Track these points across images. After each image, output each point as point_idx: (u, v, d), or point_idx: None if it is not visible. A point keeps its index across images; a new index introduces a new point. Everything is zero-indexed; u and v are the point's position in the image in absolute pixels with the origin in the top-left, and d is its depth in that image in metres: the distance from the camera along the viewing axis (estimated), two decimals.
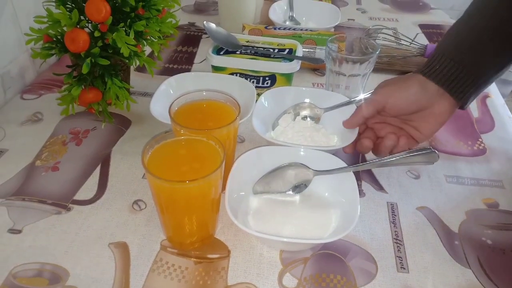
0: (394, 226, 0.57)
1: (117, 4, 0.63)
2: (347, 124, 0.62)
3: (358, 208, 0.50)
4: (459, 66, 0.54)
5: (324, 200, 0.57)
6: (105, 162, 0.65)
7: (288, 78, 0.74)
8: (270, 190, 0.57)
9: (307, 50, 0.86)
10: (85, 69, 0.60)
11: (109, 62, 0.62)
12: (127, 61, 0.65)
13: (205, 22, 0.78)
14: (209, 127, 0.52)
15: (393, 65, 0.90)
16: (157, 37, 0.69)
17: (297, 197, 0.57)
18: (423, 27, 1.13)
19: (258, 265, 0.51)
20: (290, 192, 0.57)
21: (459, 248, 0.54)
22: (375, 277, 0.50)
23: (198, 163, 0.49)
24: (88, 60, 0.60)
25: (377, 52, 0.71)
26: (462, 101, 0.56)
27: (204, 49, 0.97)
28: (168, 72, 0.88)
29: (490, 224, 0.58)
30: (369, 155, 0.68)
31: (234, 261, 0.51)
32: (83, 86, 0.64)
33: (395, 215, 0.58)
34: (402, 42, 0.94)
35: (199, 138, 0.51)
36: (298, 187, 0.57)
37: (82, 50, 0.61)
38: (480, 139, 0.73)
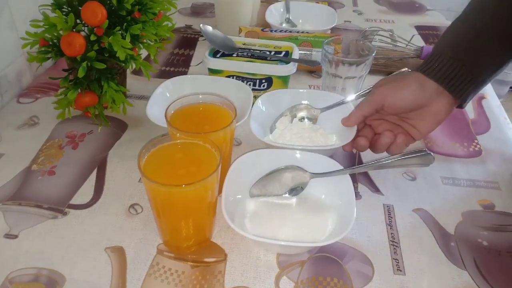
0: (391, 228, 0.57)
1: (113, 8, 0.63)
2: (346, 122, 0.62)
3: (355, 210, 0.50)
4: (457, 64, 0.54)
5: (320, 203, 0.57)
6: (101, 166, 0.65)
7: (284, 80, 0.74)
8: (267, 193, 0.57)
9: (303, 52, 0.86)
10: (81, 73, 0.60)
11: (105, 66, 0.62)
12: (123, 64, 0.65)
13: (201, 25, 0.78)
14: (205, 131, 0.52)
15: (389, 66, 0.90)
16: (153, 40, 0.69)
17: (293, 200, 0.57)
18: (419, 28, 1.14)
19: (255, 269, 0.51)
20: (287, 195, 0.58)
21: (455, 249, 0.54)
22: (372, 280, 0.50)
23: (194, 167, 0.49)
24: (84, 64, 0.60)
25: (373, 54, 0.72)
26: (461, 99, 0.56)
27: (201, 51, 0.98)
28: (165, 75, 0.88)
29: (486, 225, 0.58)
30: (366, 157, 0.68)
31: (231, 264, 0.51)
32: (79, 90, 0.64)
33: (392, 217, 0.58)
34: (399, 43, 0.94)
35: (196, 141, 0.51)
36: (295, 190, 0.57)
37: (78, 54, 0.61)
38: (476, 141, 0.73)
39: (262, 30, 0.91)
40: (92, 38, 0.61)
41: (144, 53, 0.70)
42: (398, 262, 0.52)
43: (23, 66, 0.83)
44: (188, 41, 1.03)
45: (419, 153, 0.55)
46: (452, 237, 0.56)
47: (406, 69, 0.72)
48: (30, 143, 0.68)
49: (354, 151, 0.69)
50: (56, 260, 0.51)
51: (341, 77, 0.73)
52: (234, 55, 0.76)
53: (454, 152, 0.71)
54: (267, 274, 0.50)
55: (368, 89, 0.65)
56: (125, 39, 0.62)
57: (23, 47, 0.62)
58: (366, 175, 0.65)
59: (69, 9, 0.64)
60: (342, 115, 0.63)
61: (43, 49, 0.63)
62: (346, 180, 0.54)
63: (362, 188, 0.63)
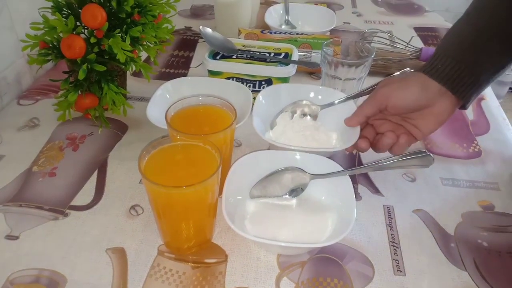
0: (391, 229, 0.57)
1: (113, 10, 0.63)
2: (349, 122, 0.62)
3: (355, 211, 0.50)
4: (460, 65, 0.54)
5: (320, 204, 0.57)
6: (102, 168, 0.65)
7: (284, 82, 0.74)
8: (267, 194, 0.57)
9: (303, 54, 0.87)
10: (81, 75, 0.60)
11: (105, 68, 0.62)
12: (123, 66, 0.65)
13: (201, 27, 0.78)
14: (205, 132, 0.52)
15: (388, 68, 0.90)
16: (153, 43, 0.69)
17: (293, 201, 0.58)
18: (418, 30, 1.14)
19: (256, 269, 0.51)
20: (287, 196, 0.58)
21: (455, 250, 0.55)
22: (372, 280, 0.50)
23: (194, 168, 0.50)
24: (84, 66, 0.60)
25: (373, 56, 0.72)
26: (464, 99, 0.56)
27: (201, 53, 0.98)
28: (165, 76, 0.88)
29: (486, 226, 0.58)
30: (366, 158, 0.69)
31: (232, 265, 0.52)
32: (79, 92, 0.64)
33: (392, 218, 0.59)
34: (397, 45, 0.95)
35: (196, 143, 0.51)
36: (295, 191, 0.58)
37: (78, 56, 0.61)
38: (475, 142, 0.74)
39: (262, 32, 0.91)
40: (92, 40, 0.61)
41: (144, 55, 0.70)
42: (398, 263, 0.53)
43: (23, 68, 0.83)
44: (187, 43, 1.03)
45: (419, 154, 0.55)
46: (452, 238, 0.56)
47: (409, 69, 0.72)
48: (30, 144, 0.68)
49: (354, 152, 0.69)
50: (57, 261, 0.51)
51: (341, 79, 0.73)
52: (234, 57, 0.76)
53: (453, 153, 0.71)
54: (268, 275, 0.51)
55: (370, 87, 0.65)
56: (125, 41, 0.63)
57: (23, 50, 0.62)
58: (366, 176, 0.66)
59: (69, 11, 0.64)
60: (343, 111, 0.63)
61: (43, 51, 0.63)
62: (346, 181, 0.55)
63: (362, 189, 0.63)
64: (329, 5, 1.16)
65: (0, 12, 0.75)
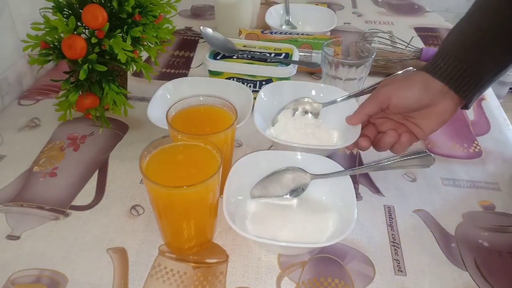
0: (391, 229, 0.57)
1: (114, 11, 0.63)
2: (351, 121, 0.62)
3: (355, 211, 0.50)
4: (463, 64, 0.54)
5: (321, 204, 0.57)
6: (102, 168, 0.65)
7: None
8: (268, 194, 0.57)
9: (303, 54, 0.87)
10: (82, 75, 0.60)
11: (106, 68, 0.62)
12: (124, 66, 0.65)
13: (201, 27, 0.79)
14: (206, 132, 0.52)
15: (389, 68, 0.90)
16: (154, 43, 0.69)
17: (294, 201, 0.58)
18: (419, 30, 1.14)
19: (256, 269, 0.51)
20: (288, 196, 0.58)
21: (456, 250, 0.55)
22: (373, 280, 0.50)
23: (195, 168, 0.50)
24: (85, 66, 0.60)
25: (373, 56, 0.72)
26: (467, 99, 0.56)
27: (201, 53, 0.98)
28: (165, 76, 0.88)
29: (487, 226, 0.58)
30: (366, 158, 0.69)
31: (233, 265, 0.52)
32: (80, 92, 0.64)
33: (392, 218, 0.59)
34: (398, 45, 0.95)
35: (197, 143, 0.51)
36: (296, 191, 0.58)
37: (79, 56, 0.61)
38: (476, 142, 0.74)
39: (262, 32, 0.91)
40: (93, 40, 0.61)
41: (144, 55, 0.70)
42: (399, 263, 0.53)
43: (24, 69, 0.83)
44: (188, 43, 1.03)
45: (420, 154, 0.55)
46: (452, 238, 0.56)
47: (412, 68, 0.72)
48: (31, 145, 0.68)
49: (355, 151, 0.69)
50: (58, 261, 0.51)
51: (341, 79, 0.73)
52: (234, 57, 0.77)
53: (454, 153, 0.71)
54: (269, 275, 0.51)
55: (372, 86, 0.65)
56: (126, 41, 0.63)
57: (24, 50, 0.63)
58: (366, 176, 0.66)
59: (70, 12, 0.64)
60: (344, 110, 0.63)
61: (44, 51, 0.63)
62: (346, 181, 0.55)
63: (362, 189, 0.63)
64: (329, 6, 1.16)
65: (1, 13, 0.75)
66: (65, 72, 0.65)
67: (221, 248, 0.54)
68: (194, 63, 0.94)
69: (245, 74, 0.74)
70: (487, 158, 0.70)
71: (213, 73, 0.75)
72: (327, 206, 0.56)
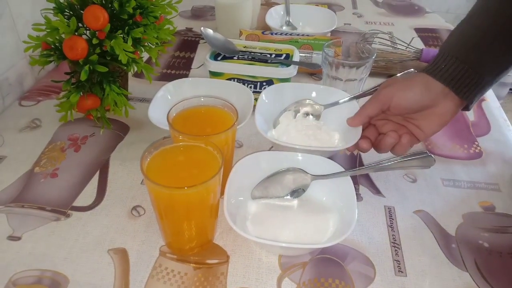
0: (392, 229, 0.57)
1: (115, 12, 0.64)
2: (352, 122, 0.62)
3: (356, 212, 0.50)
4: (464, 65, 0.54)
5: (322, 205, 0.57)
6: (103, 168, 0.65)
7: (285, 83, 0.74)
8: (268, 195, 0.57)
9: (304, 55, 0.87)
10: (83, 76, 0.60)
11: (107, 69, 0.62)
12: (125, 67, 0.65)
13: (202, 28, 0.79)
14: (207, 133, 0.52)
15: (389, 69, 0.90)
16: (154, 44, 0.70)
17: (295, 202, 0.58)
18: (419, 31, 1.14)
19: (257, 270, 0.51)
20: (288, 197, 0.58)
21: (456, 251, 0.55)
22: (373, 281, 0.51)
23: (196, 169, 0.50)
24: (86, 67, 0.60)
25: (373, 57, 0.72)
26: (468, 100, 0.56)
27: (202, 54, 0.98)
28: (166, 77, 0.88)
29: (487, 227, 0.58)
30: (367, 159, 0.69)
31: (233, 266, 0.52)
32: (81, 93, 0.64)
33: (393, 219, 0.59)
34: (398, 46, 0.95)
35: (198, 144, 0.51)
36: (296, 192, 0.58)
37: (80, 57, 0.61)
38: (476, 142, 0.74)
39: (263, 33, 0.91)
40: (94, 41, 0.61)
41: (145, 56, 0.70)
42: (399, 264, 0.53)
43: (25, 69, 0.83)
44: (189, 44, 1.03)
45: (420, 155, 0.55)
46: (453, 238, 0.56)
47: (413, 69, 0.72)
48: (32, 145, 0.68)
49: (356, 152, 0.69)
50: (59, 262, 0.51)
51: (342, 80, 0.73)
52: (235, 58, 0.77)
53: (454, 154, 0.71)
54: (269, 275, 0.51)
55: (373, 88, 0.65)
56: (126, 42, 0.63)
57: (25, 51, 0.63)
58: (367, 177, 0.66)
59: (71, 13, 0.64)
60: (345, 111, 0.63)
61: (45, 52, 0.63)
62: (347, 182, 0.55)
63: (363, 190, 0.63)
64: (329, 6, 1.16)
65: (2, 14, 0.75)
66: (66, 73, 0.65)
67: (222, 248, 0.54)
68: (194, 64, 0.94)
69: (246, 75, 0.74)
70: (487, 159, 0.70)
71: (214, 74, 0.75)
72: (327, 207, 0.56)
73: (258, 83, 0.75)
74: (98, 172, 0.64)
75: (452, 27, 0.59)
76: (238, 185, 0.55)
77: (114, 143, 0.70)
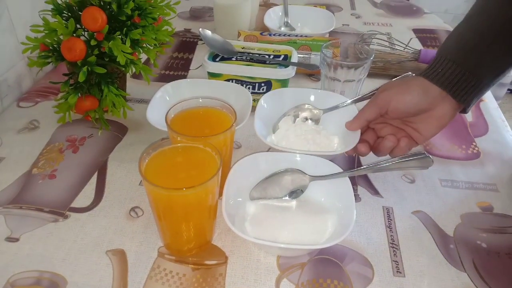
0: (390, 230, 0.57)
1: (113, 13, 0.64)
2: (350, 126, 0.62)
3: (354, 213, 0.50)
4: (461, 68, 0.55)
5: (320, 205, 0.57)
6: (102, 170, 0.65)
7: (283, 84, 0.75)
8: (267, 196, 0.57)
9: (302, 56, 0.87)
10: (81, 78, 0.60)
11: (105, 70, 0.62)
12: (123, 69, 0.65)
13: (200, 29, 0.79)
14: (205, 134, 0.52)
15: (387, 70, 0.91)
16: (153, 45, 0.70)
17: (293, 203, 0.58)
18: (417, 31, 1.14)
19: (256, 271, 0.51)
20: (287, 198, 0.58)
21: (454, 251, 0.55)
22: (372, 282, 0.51)
23: (195, 170, 0.50)
24: (84, 68, 0.60)
25: (371, 58, 0.72)
26: (465, 103, 0.56)
27: (200, 55, 0.98)
28: (164, 78, 0.88)
29: (485, 227, 0.58)
30: (365, 160, 0.69)
31: (232, 267, 0.52)
32: (79, 94, 0.64)
33: (391, 220, 0.59)
34: (396, 47, 0.95)
35: (196, 145, 0.51)
36: (295, 193, 0.58)
37: (78, 58, 0.61)
38: (474, 143, 0.74)
39: (261, 34, 0.91)
40: (92, 43, 0.61)
41: (143, 57, 0.70)
42: (397, 264, 0.53)
43: (23, 71, 0.83)
44: (187, 45, 1.03)
45: (418, 156, 0.55)
46: (451, 239, 0.57)
47: (410, 73, 0.72)
48: (30, 147, 0.68)
49: (354, 154, 0.69)
50: (57, 263, 0.51)
51: (340, 81, 0.73)
52: (233, 59, 0.77)
53: (452, 155, 0.71)
54: (268, 276, 0.51)
55: (371, 92, 0.66)
56: (125, 43, 0.63)
57: (24, 52, 0.63)
58: (365, 177, 0.66)
59: (69, 14, 0.64)
60: (344, 116, 0.64)
61: (43, 53, 0.63)
62: (345, 182, 0.55)
63: (361, 190, 0.63)
64: (328, 7, 1.17)
65: (1, 15, 0.75)
66: (64, 74, 0.65)
67: (220, 249, 0.54)
68: (193, 65, 0.94)
69: (244, 76, 0.74)
70: (485, 159, 0.71)
71: (212, 75, 0.75)
72: (326, 208, 0.56)
73: (257, 84, 0.75)
74: (96, 173, 0.64)
75: (450, 28, 0.60)
76: (236, 186, 0.55)
77: (113, 144, 0.70)
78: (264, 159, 0.59)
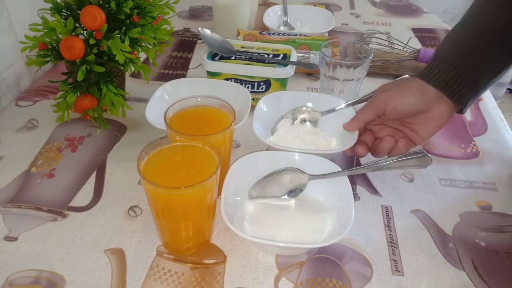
0: (389, 229, 0.57)
1: (112, 12, 0.64)
2: (348, 127, 0.62)
3: (353, 211, 0.50)
4: (458, 70, 0.55)
5: (319, 204, 0.57)
6: (100, 169, 0.65)
7: (282, 83, 0.75)
8: (266, 194, 0.57)
9: (301, 55, 0.87)
10: (80, 76, 0.60)
11: (104, 69, 0.62)
12: (122, 67, 0.65)
13: (200, 28, 0.79)
14: (204, 133, 0.52)
15: (386, 69, 0.91)
16: (152, 44, 0.70)
17: (292, 202, 0.58)
18: (416, 31, 1.14)
19: (254, 270, 0.51)
20: (286, 197, 0.58)
21: (453, 250, 0.55)
22: (371, 280, 0.51)
23: (193, 169, 0.50)
24: (83, 67, 0.60)
25: (371, 57, 0.72)
26: (461, 104, 0.56)
27: (199, 54, 0.98)
28: (163, 77, 0.88)
29: (484, 226, 0.58)
30: (364, 159, 0.69)
31: (230, 266, 0.52)
32: (78, 93, 0.64)
33: (390, 218, 0.59)
34: (396, 46, 0.95)
35: (195, 144, 0.51)
36: (294, 192, 0.58)
37: (77, 57, 0.61)
38: (473, 142, 0.74)
39: (260, 33, 0.91)
40: (91, 41, 0.61)
41: (143, 56, 0.70)
42: (396, 263, 0.53)
43: (22, 70, 0.83)
44: (186, 44, 1.03)
45: (417, 155, 0.55)
46: (450, 238, 0.57)
47: (407, 75, 0.72)
48: (29, 146, 0.68)
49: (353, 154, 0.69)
50: (56, 262, 0.51)
51: (339, 80, 0.73)
52: (233, 58, 0.77)
53: (451, 154, 0.71)
54: (266, 275, 0.51)
55: (369, 94, 0.66)
56: (124, 42, 0.63)
57: (22, 51, 0.63)
58: (364, 176, 0.66)
59: (68, 13, 0.64)
60: (342, 118, 0.64)
61: (42, 52, 0.63)
62: (344, 181, 0.55)
63: (360, 189, 0.63)
64: (327, 7, 1.17)
65: (0, 14, 0.75)
66: (63, 73, 0.65)
67: (219, 248, 0.54)
68: (192, 64, 0.94)
69: (243, 75, 0.74)
70: (484, 158, 0.71)
71: (211, 74, 0.75)
72: (325, 207, 0.56)
73: (256, 83, 0.75)
74: (95, 173, 0.64)
75: (449, 28, 0.60)
76: (235, 185, 0.55)
77: (111, 143, 0.70)
78: (263, 158, 0.59)
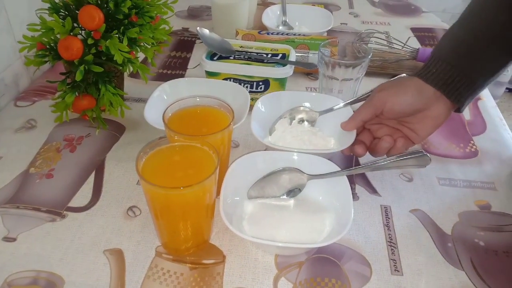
0: (388, 229, 0.57)
1: (110, 12, 0.63)
2: (345, 127, 0.62)
3: (352, 211, 0.50)
4: (455, 69, 0.55)
5: (318, 204, 0.57)
6: (99, 169, 0.65)
7: (281, 82, 0.75)
8: (265, 194, 0.57)
9: (300, 54, 0.87)
10: (78, 76, 0.60)
11: (102, 69, 0.62)
12: (120, 67, 0.65)
13: (198, 28, 0.79)
14: (203, 133, 0.52)
15: (385, 68, 0.91)
16: (150, 44, 0.69)
17: (291, 202, 0.58)
18: (415, 30, 1.14)
19: (253, 270, 0.51)
20: (285, 197, 0.58)
21: (452, 250, 0.55)
22: (370, 280, 0.51)
23: (192, 169, 0.50)
24: (81, 67, 0.60)
25: (369, 56, 0.72)
26: (459, 103, 0.56)
27: (198, 54, 0.98)
28: (162, 77, 0.88)
29: (483, 225, 0.58)
30: (363, 159, 0.69)
31: (229, 266, 0.52)
32: (76, 93, 0.64)
33: (389, 218, 0.59)
34: (394, 45, 0.95)
35: (193, 144, 0.51)
36: (292, 192, 0.58)
37: (75, 57, 0.61)
38: (472, 141, 0.74)
39: (259, 32, 0.91)
40: (90, 41, 0.61)
41: (141, 56, 0.70)
42: (395, 263, 0.53)
43: (20, 70, 0.83)
44: (185, 44, 1.03)
45: (416, 154, 0.55)
46: (449, 237, 0.57)
47: (405, 74, 0.72)
48: (27, 146, 0.68)
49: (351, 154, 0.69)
50: (54, 263, 0.51)
51: (338, 79, 0.73)
52: (231, 57, 0.77)
53: (450, 153, 0.71)
54: (266, 275, 0.51)
55: (367, 93, 0.66)
56: (122, 42, 0.63)
57: (21, 51, 0.62)
58: (363, 176, 0.66)
59: (66, 13, 0.64)
60: (340, 118, 0.64)
61: (40, 52, 0.63)
62: (343, 181, 0.55)
63: (359, 189, 0.63)
64: (326, 6, 1.16)
65: None
66: (62, 73, 0.65)
67: (218, 248, 0.54)
68: (191, 64, 0.94)
69: (242, 75, 0.74)
70: (483, 158, 0.71)
71: (210, 74, 0.75)
72: (324, 207, 0.56)
73: (255, 83, 0.75)
74: (93, 173, 0.64)
75: (448, 27, 0.60)
76: (234, 185, 0.55)
77: (110, 143, 0.70)
78: (262, 158, 0.59)
